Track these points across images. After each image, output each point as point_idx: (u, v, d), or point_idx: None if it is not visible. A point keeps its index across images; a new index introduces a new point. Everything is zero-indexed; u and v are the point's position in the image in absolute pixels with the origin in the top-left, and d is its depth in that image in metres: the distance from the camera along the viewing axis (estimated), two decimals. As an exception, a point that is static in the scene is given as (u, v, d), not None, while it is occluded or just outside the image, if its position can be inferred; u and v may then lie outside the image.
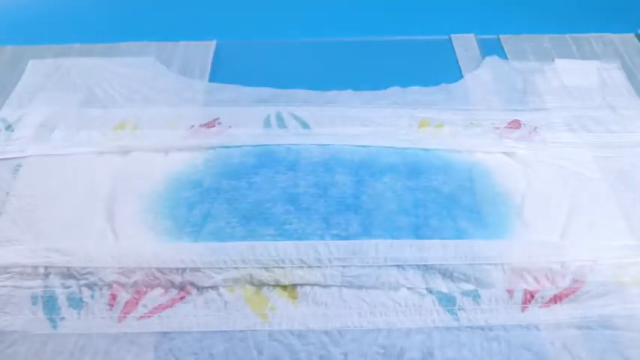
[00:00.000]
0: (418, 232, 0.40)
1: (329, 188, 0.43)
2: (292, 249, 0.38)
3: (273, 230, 0.40)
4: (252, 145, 0.46)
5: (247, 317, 0.37)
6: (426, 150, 0.46)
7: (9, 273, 0.39)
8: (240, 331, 0.36)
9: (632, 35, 0.60)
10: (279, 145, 0.46)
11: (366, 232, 0.40)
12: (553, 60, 0.56)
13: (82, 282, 0.38)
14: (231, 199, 0.42)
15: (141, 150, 0.46)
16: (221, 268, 0.38)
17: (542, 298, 0.38)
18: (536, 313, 0.37)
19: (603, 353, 0.36)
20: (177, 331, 0.36)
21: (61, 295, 0.38)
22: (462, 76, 0.55)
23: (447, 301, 0.38)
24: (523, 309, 0.37)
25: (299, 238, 0.39)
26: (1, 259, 0.39)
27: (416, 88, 0.53)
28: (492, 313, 0.37)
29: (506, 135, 0.47)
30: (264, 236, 0.40)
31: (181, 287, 0.38)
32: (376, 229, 0.40)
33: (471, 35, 0.59)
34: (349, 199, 0.42)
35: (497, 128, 0.48)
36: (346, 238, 0.39)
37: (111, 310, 0.37)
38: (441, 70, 0.56)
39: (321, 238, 0.39)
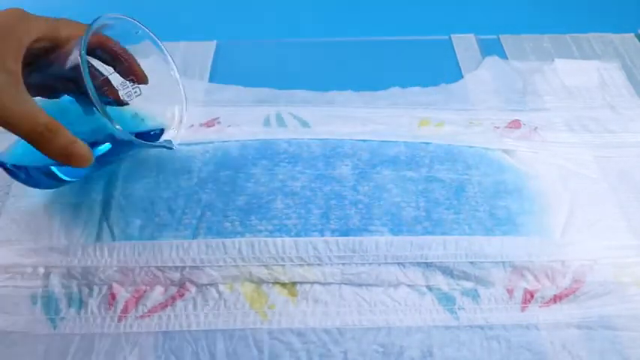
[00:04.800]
0: (419, 226, 0.40)
1: (329, 182, 0.43)
2: (292, 246, 0.39)
3: (272, 225, 0.40)
4: (252, 140, 0.46)
5: (247, 315, 0.37)
6: (427, 144, 0.46)
7: (9, 273, 0.39)
8: (240, 329, 0.36)
9: (632, 35, 0.60)
10: (278, 139, 0.46)
11: (366, 227, 0.40)
12: (553, 60, 0.56)
13: (82, 282, 0.38)
14: (230, 191, 0.42)
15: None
16: (220, 266, 0.38)
17: (542, 297, 0.38)
18: (536, 313, 0.37)
19: (603, 353, 0.36)
20: (178, 330, 0.36)
21: (61, 295, 0.38)
22: (462, 76, 0.55)
23: (447, 300, 0.38)
24: (523, 308, 0.37)
25: (298, 233, 0.39)
26: (1, 259, 0.39)
27: (416, 89, 0.53)
28: (492, 312, 0.37)
29: (507, 135, 0.47)
30: (262, 231, 0.40)
31: (180, 285, 0.38)
32: (377, 224, 0.40)
33: (471, 35, 0.59)
34: (349, 193, 0.42)
35: (498, 128, 0.48)
36: (346, 232, 0.39)
37: (111, 309, 0.37)
38: (441, 70, 0.56)
39: (321, 233, 0.40)
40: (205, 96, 0.52)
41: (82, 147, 0.34)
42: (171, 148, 0.40)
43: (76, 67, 0.33)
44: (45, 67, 0.35)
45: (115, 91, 0.39)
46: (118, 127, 0.34)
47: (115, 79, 0.38)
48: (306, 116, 0.49)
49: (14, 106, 0.32)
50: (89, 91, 0.33)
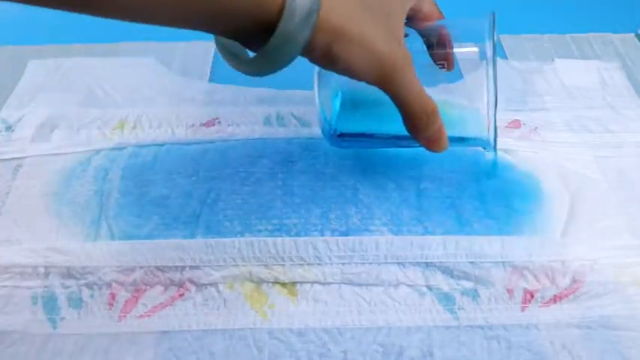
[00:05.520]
0: (420, 225, 0.40)
1: (329, 181, 0.43)
2: (291, 246, 0.39)
3: (272, 225, 0.40)
4: (252, 139, 0.46)
5: (247, 315, 0.37)
6: None
7: (9, 273, 0.39)
8: (240, 329, 0.36)
9: (632, 35, 0.60)
10: (278, 138, 0.46)
11: (366, 227, 0.40)
12: (553, 60, 0.56)
13: (82, 282, 0.38)
14: (230, 191, 0.42)
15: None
16: (220, 266, 0.38)
17: (542, 297, 0.38)
18: (536, 313, 0.37)
19: (603, 353, 0.35)
20: (177, 330, 0.36)
21: (61, 295, 0.38)
22: (462, 76, 0.55)
23: (447, 300, 0.38)
24: (523, 308, 0.37)
25: (298, 233, 0.39)
26: (1, 259, 0.39)
27: (416, 89, 0.53)
28: (492, 312, 0.37)
29: (507, 134, 0.47)
30: (262, 231, 0.40)
31: (180, 284, 0.38)
32: (377, 223, 0.40)
33: (472, 35, 0.59)
34: (349, 192, 0.42)
35: (497, 128, 0.48)
36: (346, 232, 0.40)
37: (110, 309, 0.37)
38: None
39: (321, 232, 0.40)
40: (205, 96, 0.52)
41: (446, 135, 0.35)
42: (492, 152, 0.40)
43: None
44: None
45: None
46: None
47: (424, 58, 0.38)
48: (307, 116, 0.49)
49: (414, 84, 0.32)
50: (494, 95, 0.34)
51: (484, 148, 0.40)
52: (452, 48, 0.38)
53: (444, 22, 0.39)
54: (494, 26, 0.36)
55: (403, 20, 0.34)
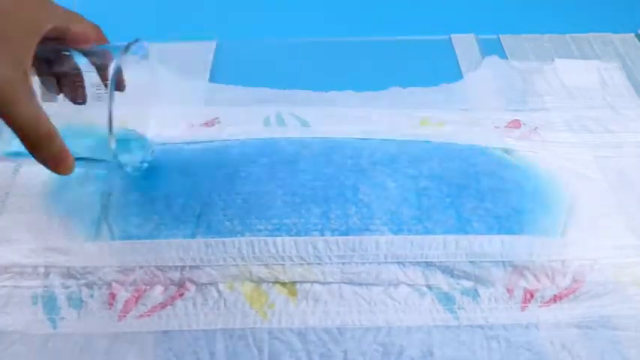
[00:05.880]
0: (420, 225, 0.40)
1: (329, 180, 0.43)
2: (291, 245, 0.39)
3: (272, 224, 0.40)
4: (252, 139, 0.46)
5: (247, 315, 0.37)
6: (427, 143, 0.46)
7: (9, 273, 0.39)
8: (240, 329, 0.36)
9: (632, 35, 0.60)
10: (278, 137, 0.46)
11: (366, 226, 0.40)
12: (553, 60, 0.56)
13: (82, 281, 0.38)
14: (230, 190, 0.42)
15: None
16: (220, 265, 0.38)
17: (542, 297, 0.38)
18: (536, 313, 0.37)
19: (603, 353, 0.36)
20: (177, 330, 0.36)
21: (61, 295, 0.38)
22: (462, 76, 0.55)
23: (447, 300, 0.38)
24: (523, 308, 0.37)
25: (298, 232, 0.39)
26: (1, 259, 0.39)
27: (416, 89, 0.53)
28: (492, 312, 0.37)
29: (506, 134, 0.47)
30: (262, 230, 0.40)
31: (180, 284, 0.38)
32: (377, 223, 0.40)
33: (471, 35, 0.59)
34: (349, 192, 0.42)
35: (498, 128, 0.48)
36: (346, 232, 0.39)
37: (110, 309, 0.37)
38: (441, 70, 0.56)
39: (321, 232, 0.39)
40: (205, 96, 0.52)
41: (70, 158, 0.34)
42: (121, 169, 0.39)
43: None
44: (43, 55, 0.34)
45: (76, 87, 0.37)
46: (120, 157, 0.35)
47: (93, 77, 0.37)
48: (307, 116, 0.49)
49: (23, 106, 0.31)
50: (108, 116, 0.33)
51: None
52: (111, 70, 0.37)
53: (106, 46, 0.37)
54: (125, 53, 0.35)
55: (33, 42, 0.32)
